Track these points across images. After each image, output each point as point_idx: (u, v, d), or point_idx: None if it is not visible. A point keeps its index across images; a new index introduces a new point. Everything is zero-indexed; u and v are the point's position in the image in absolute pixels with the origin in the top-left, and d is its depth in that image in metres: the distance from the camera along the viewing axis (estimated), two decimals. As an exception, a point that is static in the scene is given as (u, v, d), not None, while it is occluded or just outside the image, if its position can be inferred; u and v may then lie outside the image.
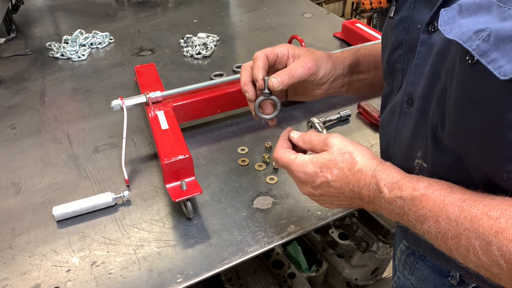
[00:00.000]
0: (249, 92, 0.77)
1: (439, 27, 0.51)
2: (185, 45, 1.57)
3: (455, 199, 0.53)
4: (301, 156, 0.69)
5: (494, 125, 0.48)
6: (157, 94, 1.05)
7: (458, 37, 0.48)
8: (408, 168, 0.67)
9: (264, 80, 0.75)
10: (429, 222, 0.54)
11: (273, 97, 0.77)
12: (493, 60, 0.45)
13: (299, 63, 0.76)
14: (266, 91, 0.75)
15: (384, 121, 0.74)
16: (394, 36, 0.67)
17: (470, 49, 0.47)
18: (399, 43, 0.66)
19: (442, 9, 0.51)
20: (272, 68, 0.79)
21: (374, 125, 1.13)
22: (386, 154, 0.74)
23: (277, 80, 0.74)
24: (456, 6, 0.50)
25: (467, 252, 0.51)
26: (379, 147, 1.06)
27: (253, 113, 0.79)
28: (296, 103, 1.23)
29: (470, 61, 0.48)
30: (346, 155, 0.65)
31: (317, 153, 0.68)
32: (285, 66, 0.78)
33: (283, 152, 0.71)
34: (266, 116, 0.79)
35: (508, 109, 0.46)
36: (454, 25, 0.49)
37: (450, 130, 0.55)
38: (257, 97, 0.77)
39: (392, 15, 0.67)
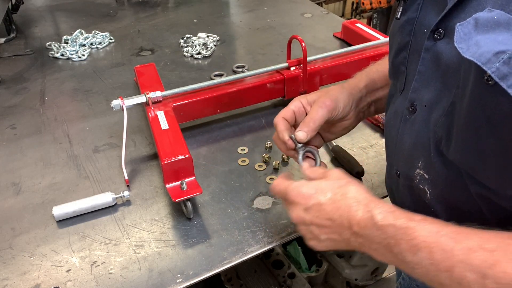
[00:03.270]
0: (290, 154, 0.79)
1: (455, 44, 0.48)
2: (185, 45, 1.57)
3: (450, 231, 0.52)
4: (297, 181, 0.68)
5: (510, 146, 0.48)
6: (157, 94, 1.05)
7: (477, 58, 0.46)
8: (409, 178, 0.66)
9: (291, 138, 0.76)
10: (422, 253, 0.52)
11: (308, 148, 0.78)
12: None
13: (317, 106, 0.76)
14: (299, 145, 0.76)
15: (388, 123, 0.74)
16: (400, 37, 0.66)
17: (489, 71, 0.45)
18: (404, 45, 0.66)
19: (458, 24, 0.49)
20: (295, 124, 0.80)
21: (374, 125, 1.13)
22: (390, 160, 0.73)
23: (303, 133, 0.74)
24: (472, 21, 0.48)
25: (459, 286, 0.49)
26: (379, 147, 1.06)
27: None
28: (296, 103, 1.23)
29: (489, 82, 0.46)
30: (341, 182, 0.64)
31: None
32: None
33: (280, 180, 0.70)
34: None
35: None
36: (470, 42, 0.48)
37: (459, 146, 0.54)
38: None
39: (399, 16, 0.66)
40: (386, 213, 0.56)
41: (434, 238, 0.51)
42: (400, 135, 0.67)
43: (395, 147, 0.69)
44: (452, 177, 0.58)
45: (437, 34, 0.57)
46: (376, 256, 0.59)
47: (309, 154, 0.79)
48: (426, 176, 0.63)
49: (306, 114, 0.78)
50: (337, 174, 0.66)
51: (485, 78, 0.46)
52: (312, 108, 0.76)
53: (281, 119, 0.78)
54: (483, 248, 0.48)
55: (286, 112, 0.78)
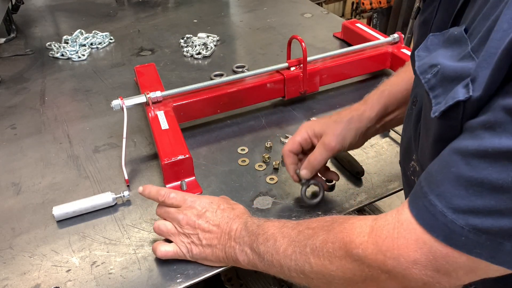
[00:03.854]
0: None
1: (415, 51, 0.55)
2: (185, 45, 1.57)
3: (291, 224, 0.68)
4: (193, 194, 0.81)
5: (432, 149, 0.54)
6: (157, 94, 1.05)
7: (418, 67, 0.53)
8: (405, 168, 0.71)
9: (296, 173, 0.85)
10: (269, 241, 0.67)
11: (312, 182, 0.86)
12: (436, 96, 0.49)
13: (322, 147, 0.81)
14: (303, 180, 0.85)
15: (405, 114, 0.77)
16: (417, 36, 0.68)
17: (423, 81, 0.51)
18: (420, 43, 0.67)
19: (431, 34, 0.55)
20: (304, 153, 0.87)
21: (374, 125, 1.13)
22: (400, 148, 0.77)
23: (306, 171, 0.83)
24: (445, 33, 0.53)
25: (290, 261, 0.64)
26: (379, 147, 1.06)
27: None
28: (296, 103, 1.23)
29: (426, 91, 0.51)
30: (230, 201, 0.82)
31: None
32: (313, 147, 0.84)
33: (177, 190, 0.81)
34: (313, 201, 0.87)
35: (438, 139, 0.52)
36: (428, 53, 0.54)
37: (420, 145, 0.61)
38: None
39: (415, 17, 0.70)
40: (253, 220, 0.73)
41: (278, 229, 0.68)
42: (404, 127, 0.72)
43: (402, 138, 0.75)
44: None
45: None
46: (243, 261, 0.71)
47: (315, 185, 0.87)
48: (417, 169, 0.66)
49: (312, 145, 0.85)
50: (224, 196, 0.83)
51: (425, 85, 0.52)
52: (318, 147, 0.82)
53: (288, 153, 0.85)
54: (308, 227, 0.64)
55: (292, 146, 0.85)
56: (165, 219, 0.79)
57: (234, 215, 0.75)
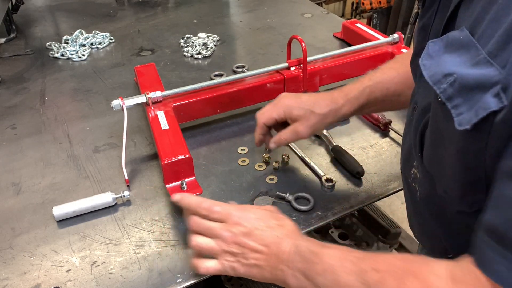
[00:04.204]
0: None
1: (419, 60, 0.52)
2: (185, 45, 1.57)
3: (352, 256, 0.60)
4: (237, 205, 0.75)
5: (456, 160, 0.52)
6: (157, 94, 1.05)
7: (430, 77, 0.50)
8: (406, 174, 0.71)
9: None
10: (328, 274, 0.60)
11: (298, 195, 0.93)
12: (456, 106, 0.47)
13: (294, 133, 0.88)
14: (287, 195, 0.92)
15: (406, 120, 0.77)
16: (416, 41, 0.68)
17: (438, 91, 0.48)
18: (420, 49, 0.65)
19: (430, 41, 0.52)
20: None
21: (374, 125, 1.13)
22: (401, 154, 0.76)
23: (273, 146, 0.91)
24: (444, 38, 0.51)
25: None
26: (379, 147, 1.06)
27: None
28: (296, 103, 1.23)
29: (439, 100, 0.49)
30: (278, 214, 0.73)
31: None
32: (284, 123, 0.91)
33: (217, 202, 0.74)
34: (305, 208, 0.89)
35: (464, 150, 0.49)
36: (435, 61, 0.50)
37: (427, 154, 0.60)
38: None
39: (413, 22, 0.69)
40: (306, 244, 0.65)
41: (339, 262, 0.60)
42: (404, 134, 0.72)
43: (402, 144, 0.74)
44: (432, 180, 0.62)
45: None
46: (293, 284, 0.64)
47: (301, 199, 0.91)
48: (418, 175, 0.66)
49: (285, 122, 0.90)
50: (271, 207, 0.75)
51: (438, 96, 0.49)
52: (290, 131, 0.88)
53: (262, 125, 0.91)
54: (374, 269, 0.56)
55: (268, 120, 0.90)
56: (201, 233, 0.71)
57: (283, 234, 0.68)
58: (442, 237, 0.66)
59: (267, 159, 1.01)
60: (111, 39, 1.63)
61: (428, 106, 0.60)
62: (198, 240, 0.70)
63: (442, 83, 0.48)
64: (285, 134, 0.88)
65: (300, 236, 0.68)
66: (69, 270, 0.79)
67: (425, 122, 0.60)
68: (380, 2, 3.06)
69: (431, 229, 0.69)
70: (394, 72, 0.88)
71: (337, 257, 0.61)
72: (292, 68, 1.19)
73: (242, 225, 0.69)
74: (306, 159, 1.02)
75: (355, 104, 0.87)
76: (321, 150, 1.06)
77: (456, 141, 0.50)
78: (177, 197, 0.75)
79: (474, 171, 0.50)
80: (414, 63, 0.69)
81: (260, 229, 0.68)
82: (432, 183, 0.61)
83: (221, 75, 1.37)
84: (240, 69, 1.40)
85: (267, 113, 0.90)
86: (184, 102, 1.08)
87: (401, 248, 1.46)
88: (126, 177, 0.96)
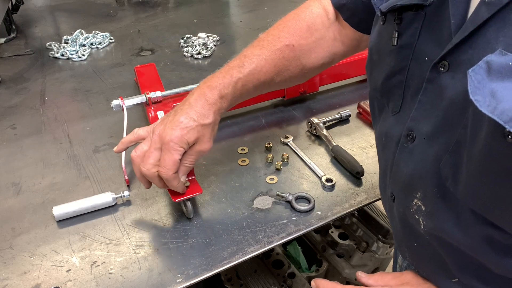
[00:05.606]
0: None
1: (470, 96, 0.44)
2: (185, 45, 1.57)
3: None
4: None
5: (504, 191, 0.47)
6: (157, 94, 1.05)
7: (498, 116, 0.42)
8: (404, 204, 0.65)
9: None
10: None
11: (298, 194, 0.92)
12: None
13: (199, 155, 0.84)
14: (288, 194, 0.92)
15: (379, 142, 0.71)
16: (394, 61, 0.62)
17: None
18: (400, 69, 0.61)
19: (470, 70, 0.45)
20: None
21: (374, 125, 1.13)
22: (384, 179, 0.71)
23: (184, 178, 0.84)
24: (483, 65, 0.44)
25: None
26: (379, 147, 1.06)
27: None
28: (296, 103, 1.23)
29: (510, 137, 0.42)
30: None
31: None
32: None
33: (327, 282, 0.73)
34: (304, 208, 0.89)
35: None
36: (484, 92, 0.44)
37: (471, 189, 0.52)
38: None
39: (395, 43, 0.61)
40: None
41: None
42: (397, 160, 0.64)
43: (390, 170, 0.67)
44: (453, 215, 0.57)
45: (441, 67, 0.54)
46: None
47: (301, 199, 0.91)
48: (423, 208, 0.61)
49: None
50: (411, 276, 0.70)
51: (505, 134, 0.42)
52: (193, 155, 0.83)
53: (126, 142, 0.90)
54: None
55: (134, 139, 0.89)
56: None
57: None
58: (454, 268, 0.62)
59: (270, 159, 1.01)
60: (111, 39, 1.63)
61: (435, 136, 0.56)
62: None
63: None
64: (188, 161, 0.82)
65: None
66: (69, 270, 0.79)
67: (450, 153, 0.53)
68: (380, 2, 3.06)
69: (437, 259, 0.64)
70: (262, 61, 0.85)
71: None
72: (292, 68, 1.18)
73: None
74: (306, 159, 1.02)
75: (230, 100, 0.85)
76: (321, 150, 1.06)
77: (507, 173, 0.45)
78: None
79: None
80: (392, 81, 0.63)
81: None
82: (455, 216, 0.56)
83: (221, 75, 1.37)
84: (240, 69, 1.40)
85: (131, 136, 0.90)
86: (184, 102, 1.08)
87: (401, 248, 1.46)
88: (126, 177, 0.96)
